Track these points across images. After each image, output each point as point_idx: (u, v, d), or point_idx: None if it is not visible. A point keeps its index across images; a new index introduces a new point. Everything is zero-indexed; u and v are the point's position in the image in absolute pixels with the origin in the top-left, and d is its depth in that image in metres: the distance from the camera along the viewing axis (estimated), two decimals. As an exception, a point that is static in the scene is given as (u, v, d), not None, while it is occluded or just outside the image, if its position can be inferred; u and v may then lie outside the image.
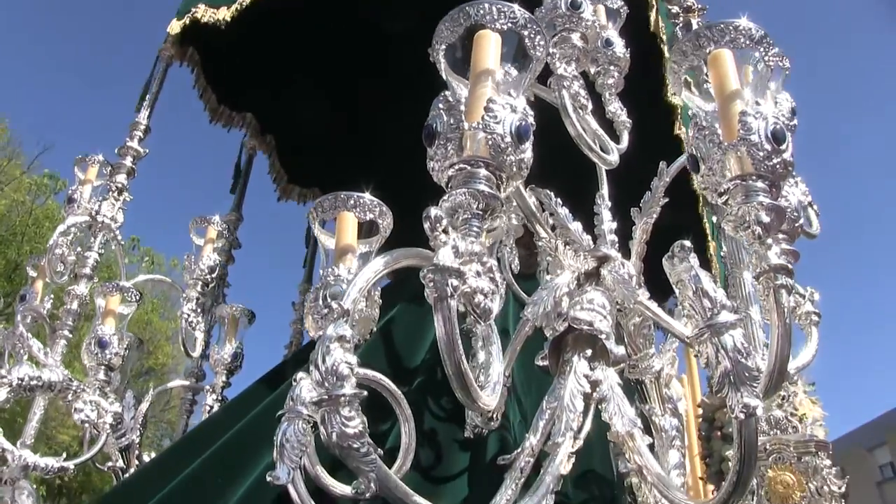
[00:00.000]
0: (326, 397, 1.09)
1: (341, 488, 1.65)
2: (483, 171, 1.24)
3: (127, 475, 2.99)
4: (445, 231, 1.15)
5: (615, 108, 2.23)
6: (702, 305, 1.17)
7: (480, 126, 1.26)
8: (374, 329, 1.85)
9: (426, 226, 1.15)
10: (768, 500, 1.86)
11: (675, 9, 3.18)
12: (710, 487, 2.71)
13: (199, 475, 2.24)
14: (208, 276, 3.39)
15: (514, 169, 1.28)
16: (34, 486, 2.87)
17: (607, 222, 2.04)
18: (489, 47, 1.39)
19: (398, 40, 3.89)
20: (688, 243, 1.37)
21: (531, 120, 1.33)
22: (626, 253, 2.06)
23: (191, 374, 3.79)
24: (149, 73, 3.85)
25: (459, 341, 1.13)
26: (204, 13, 3.91)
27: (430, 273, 1.12)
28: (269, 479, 1.36)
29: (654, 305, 1.83)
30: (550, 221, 1.87)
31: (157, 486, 2.24)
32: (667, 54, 3.76)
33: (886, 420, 24.47)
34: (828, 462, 1.87)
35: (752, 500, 1.88)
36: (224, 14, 3.87)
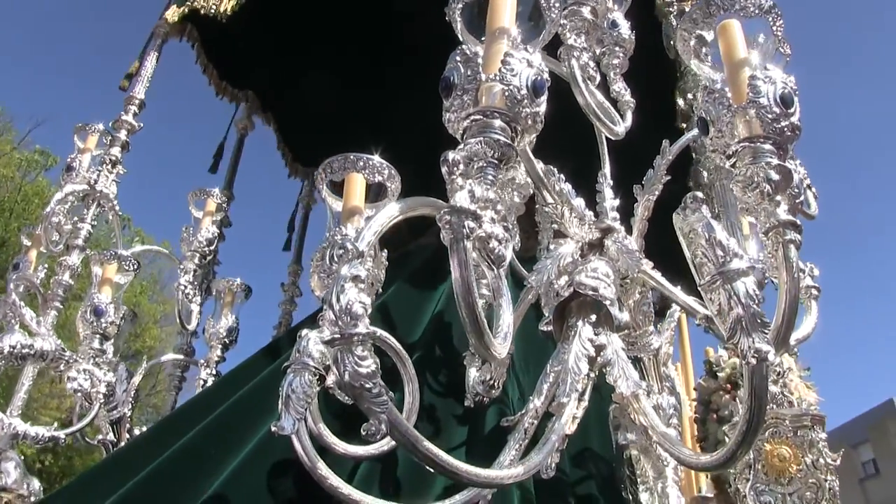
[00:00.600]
0: (339, 336, 1.08)
1: (343, 447, 1.65)
2: (499, 122, 1.25)
3: (118, 448, 2.97)
4: (463, 176, 1.15)
5: (619, 87, 2.24)
6: (714, 254, 1.17)
7: (498, 78, 1.27)
8: (376, 296, 1.85)
9: (444, 170, 1.16)
10: (765, 474, 1.88)
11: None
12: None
13: (193, 446, 2.21)
14: (206, 249, 3.38)
15: (529, 122, 1.29)
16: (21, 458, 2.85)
17: (609, 199, 2.06)
18: (505, 5, 1.40)
19: (405, 17, 3.88)
20: (700, 194, 1.38)
21: (546, 76, 1.34)
22: (628, 231, 2.07)
23: (181, 349, 3.77)
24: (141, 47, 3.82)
25: (475, 284, 1.13)
26: (203, 4, 3.91)
27: (447, 215, 1.13)
28: (273, 429, 1.36)
29: (657, 274, 1.85)
30: (557, 188, 1.87)
31: (149, 458, 2.19)
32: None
33: (869, 417, 24.77)
34: (823, 436, 1.89)
35: (750, 473, 1.89)
36: (225, 5, 3.86)
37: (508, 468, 1.35)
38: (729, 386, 2.81)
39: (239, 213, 4.51)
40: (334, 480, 1.39)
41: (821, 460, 1.85)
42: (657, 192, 2.17)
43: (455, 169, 1.14)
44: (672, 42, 3.15)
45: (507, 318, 1.33)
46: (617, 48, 2.25)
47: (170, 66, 4.21)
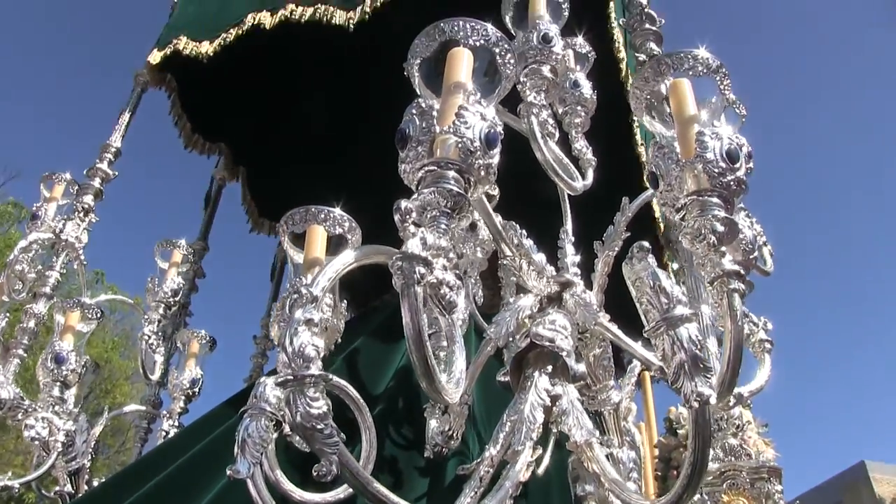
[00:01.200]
0: (292, 378, 1.10)
1: (300, 493, 1.64)
2: (452, 173, 1.29)
3: (75, 499, 2.91)
4: (415, 224, 1.19)
5: (581, 146, 2.30)
6: (658, 301, 1.21)
7: (451, 130, 1.31)
8: (336, 346, 1.87)
9: (396, 217, 1.19)
10: (722, 525, 1.89)
11: (643, 56, 3.30)
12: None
13: (152, 496, 2.20)
14: (171, 300, 3.36)
15: (483, 173, 1.33)
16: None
17: (570, 255, 2.09)
18: (462, 62, 1.46)
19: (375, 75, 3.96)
20: (646, 244, 1.42)
21: (500, 129, 1.39)
22: (588, 286, 2.10)
23: (147, 400, 3.73)
24: (127, 98, 3.86)
25: (426, 329, 1.16)
26: (186, 45, 3.97)
27: (398, 261, 1.15)
28: (229, 472, 1.36)
29: (614, 327, 1.87)
30: (515, 241, 1.91)
31: (108, 507, 2.18)
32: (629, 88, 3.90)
33: (842, 478, 24.72)
34: (779, 487, 1.91)
35: (706, 524, 1.91)
36: (206, 48, 3.93)
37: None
38: (688, 443, 2.83)
39: (215, 265, 4.52)
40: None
41: (777, 511, 1.88)
42: (617, 248, 2.21)
43: (408, 217, 1.18)
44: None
45: (460, 364, 1.35)
46: (579, 107, 2.31)
47: (151, 118, 4.27)
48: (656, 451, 3.15)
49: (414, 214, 1.19)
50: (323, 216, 1.79)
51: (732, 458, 1.97)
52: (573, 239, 2.17)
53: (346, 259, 1.33)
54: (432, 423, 2.04)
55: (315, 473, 1.12)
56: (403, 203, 1.20)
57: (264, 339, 4.92)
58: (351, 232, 1.81)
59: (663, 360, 1.19)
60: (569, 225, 2.21)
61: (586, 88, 2.33)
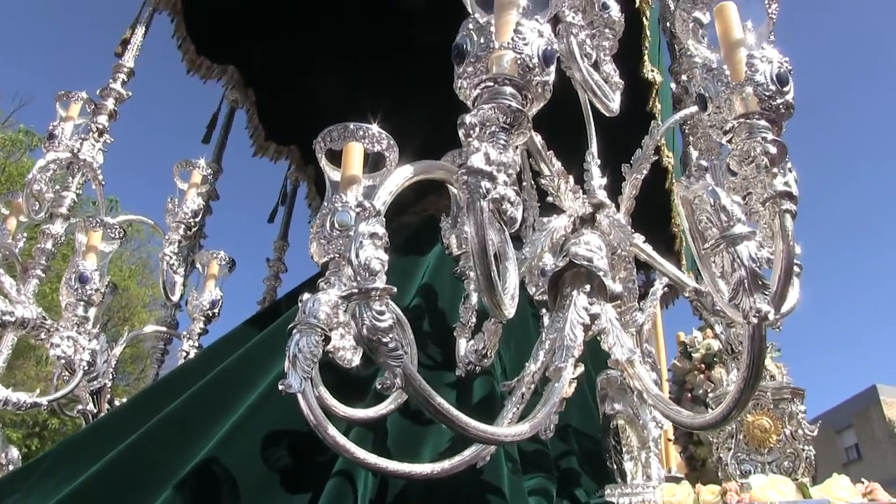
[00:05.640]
0: (357, 291, 1.11)
1: (343, 409, 1.67)
2: (509, 89, 1.28)
3: (100, 417, 2.95)
4: (479, 139, 1.18)
5: (609, 69, 2.28)
6: (718, 218, 1.22)
7: (510, 46, 1.29)
8: None
9: (461, 132, 1.19)
10: (746, 444, 1.94)
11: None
12: (678, 448, 2.80)
13: (178, 415, 2.20)
14: (191, 220, 3.35)
15: (539, 90, 1.32)
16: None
17: (597, 178, 2.09)
18: (515, -23, 1.42)
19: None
20: (704, 163, 1.43)
21: (556, 46, 1.37)
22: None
23: (164, 322, 3.76)
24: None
25: (491, 243, 1.16)
26: None
27: (463, 175, 1.15)
28: (280, 387, 1.38)
29: (648, 248, 1.89)
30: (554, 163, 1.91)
31: (133, 426, 2.17)
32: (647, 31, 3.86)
33: (853, 403, 25.48)
34: (802, 408, 1.95)
35: (731, 442, 1.96)
36: None
37: (511, 426, 1.39)
38: (703, 366, 2.89)
39: (227, 187, 4.49)
40: (339, 438, 1.41)
41: (799, 431, 1.92)
42: (645, 171, 2.21)
43: (472, 131, 1.17)
44: (668, 24, 3.21)
45: (514, 280, 1.36)
46: (607, 30, 2.29)
47: (163, 39, 4.18)
48: (667, 375, 3.20)
49: (478, 129, 1.18)
50: (361, 133, 1.77)
51: (759, 381, 2.00)
52: (599, 161, 2.17)
53: (406, 173, 1.33)
54: (462, 343, 2.06)
55: (378, 385, 1.14)
56: (468, 118, 1.19)
57: (277, 262, 4.93)
58: (389, 150, 1.79)
59: (722, 276, 1.21)
60: (594, 147, 2.20)
61: (615, 10, 2.31)
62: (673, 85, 2.92)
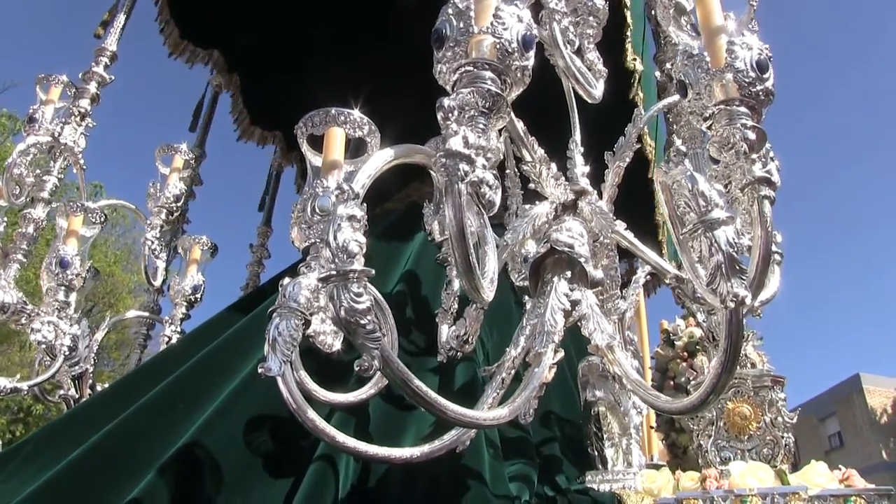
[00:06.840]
0: (335, 273, 1.11)
1: (324, 394, 1.67)
2: (489, 73, 1.28)
3: (82, 401, 2.94)
4: (458, 122, 1.18)
5: (592, 56, 2.27)
6: (697, 203, 1.23)
7: (489, 30, 1.29)
8: None
9: (439, 115, 1.19)
10: (726, 431, 1.96)
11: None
12: (660, 436, 2.82)
13: (160, 400, 2.19)
14: (173, 205, 3.33)
15: (518, 75, 1.32)
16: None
17: (580, 166, 2.09)
18: (495, -39, 1.42)
19: None
20: (682, 147, 1.43)
21: (535, 32, 1.37)
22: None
23: (147, 307, 3.74)
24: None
25: (468, 227, 1.17)
26: None
27: (441, 157, 1.15)
28: (260, 370, 1.38)
29: (630, 235, 1.90)
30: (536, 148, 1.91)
31: (115, 411, 2.17)
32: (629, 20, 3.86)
33: (837, 391, 25.79)
34: (782, 396, 1.97)
35: (712, 429, 1.97)
36: None
37: (490, 410, 1.39)
38: (686, 354, 2.90)
39: (211, 173, 4.47)
40: (319, 422, 1.42)
41: (779, 419, 1.94)
42: (628, 159, 2.22)
43: (450, 115, 1.17)
44: (653, 12, 3.21)
45: (493, 264, 1.36)
46: (591, 17, 2.29)
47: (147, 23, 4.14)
48: (649, 363, 3.21)
49: (456, 113, 1.18)
50: (343, 118, 1.77)
51: (737, 367, 2.02)
52: (582, 149, 2.17)
53: (385, 156, 1.33)
54: (444, 329, 2.07)
55: (357, 368, 1.14)
56: (446, 101, 1.19)
57: (260, 248, 4.92)
58: (371, 135, 1.79)
59: (700, 261, 1.22)
60: (577, 135, 2.20)
61: (599, -1, 2.30)
62: (658, 73, 2.93)
